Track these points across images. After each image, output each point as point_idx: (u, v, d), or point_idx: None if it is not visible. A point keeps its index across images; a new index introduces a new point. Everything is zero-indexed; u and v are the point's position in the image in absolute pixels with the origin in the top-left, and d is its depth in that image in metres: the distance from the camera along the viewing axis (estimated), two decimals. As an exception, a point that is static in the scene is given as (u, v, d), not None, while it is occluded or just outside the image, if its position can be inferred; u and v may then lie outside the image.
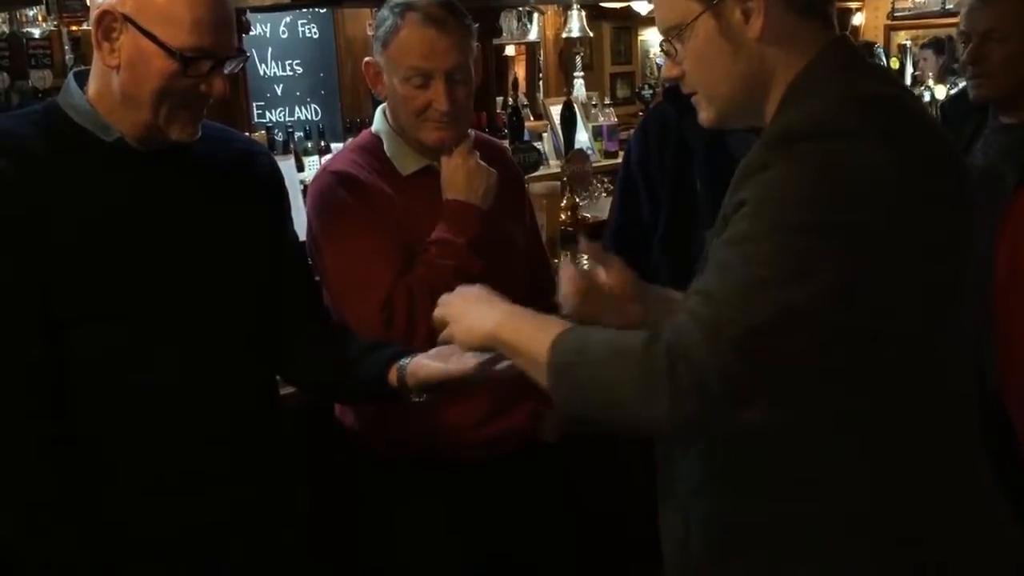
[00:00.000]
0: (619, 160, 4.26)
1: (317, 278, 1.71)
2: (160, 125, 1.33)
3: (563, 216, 2.93)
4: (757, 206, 1.06)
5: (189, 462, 1.38)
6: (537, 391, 1.83)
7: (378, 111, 1.84)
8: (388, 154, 1.78)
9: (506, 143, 3.17)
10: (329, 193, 1.72)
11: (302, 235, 1.75)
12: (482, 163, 1.76)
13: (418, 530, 1.78)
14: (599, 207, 3.37)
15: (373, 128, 1.83)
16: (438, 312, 1.33)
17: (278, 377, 1.59)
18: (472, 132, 1.82)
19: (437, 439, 1.75)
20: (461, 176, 1.73)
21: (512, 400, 1.79)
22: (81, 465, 1.32)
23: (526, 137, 3.86)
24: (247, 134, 3.43)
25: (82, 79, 1.37)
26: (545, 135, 4.74)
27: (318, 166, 3.38)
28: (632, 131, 4.58)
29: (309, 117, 4.56)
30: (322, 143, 4.18)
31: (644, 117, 2.38)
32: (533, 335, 1.17)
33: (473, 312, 1.27)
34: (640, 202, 2.13)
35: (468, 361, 1.38)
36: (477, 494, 1.78)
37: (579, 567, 1.97)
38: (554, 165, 4.16)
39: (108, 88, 1.34)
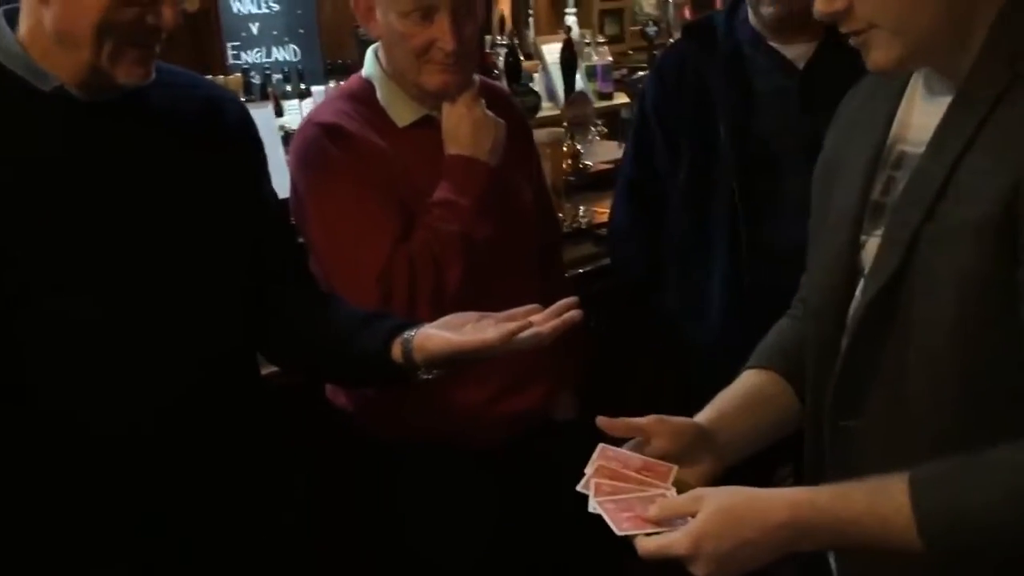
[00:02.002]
0: (614, 102, 4.05)
1: (301, 240, 1.52)
2: (104, 67, 1.14)
3: (564, 164, 2.73)
4: None
5: (153, 448, 1.21)
6: (554, 366, 1.67)
7: (369, 53, 1.62)
8: (382, 102, 1.58)
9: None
10: (315, 148, 1.52)
11: (283, 192, 1.56)
12: (489, 113, 1.56)
13: (424, 521, 1.62)
14: (596, 152, 3.18)
15: (363, 72, 1.62)
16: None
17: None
18: (477, 77, 1.61)
19: (443, 419, 1.58)
20: (466, 127, 1.53)
21: (529, 375, 1.62)
22: (37, 452, 1.17)
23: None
24: (219, 77, 3.22)
25: (15, 17, 1.17)
26: (536, 76, 4.51)
27: (298, 111, 3.15)
28: (622, 71, 4.37)
29: (287, 58, 4.29)
30: (302, 86, 3.94)
31: (660, 57, 2.18)
32: (865, 514, 0.94)
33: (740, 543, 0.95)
34: (656, 151, 1.94)
35: (487, 331, 1.19)
36: (488, 479, 1.62)
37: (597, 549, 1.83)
38: (546, 108, 3.95)
39: (40, 27, 1.14)
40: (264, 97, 3.61)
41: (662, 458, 1.07)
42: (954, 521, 0.91)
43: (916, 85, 1.06)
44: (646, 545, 0.96)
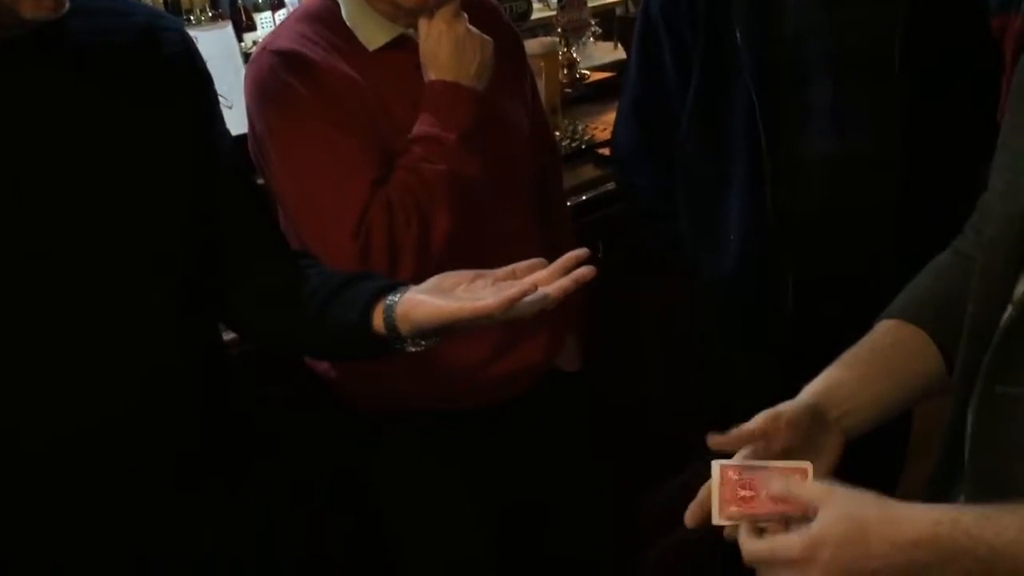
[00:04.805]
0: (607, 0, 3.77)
1: (260, 181, 1.33)
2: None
3: (560, 76, 2.51)
4: None
5: (95, 462, 1.04)
6: (556, 312, 1.50)
7: (330, -37, 1.40)
8: (348, 23, 1.36)
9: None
10: (272, 81, 1.30)
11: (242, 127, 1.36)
12: (473, 29, 1.34)
13: (415, 495, 1.47)
14: (592, 56, 2.94)
15: (325, -13, 1.40)
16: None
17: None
18: (457, -14, 1.39)
19: (434, 383, 1.41)
20: (447, 48, 1.31)
21: (529, 326, 1.43)
22: None
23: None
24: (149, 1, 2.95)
25: None
26: (524, -27, 4.21)
27: (271, 24, 2.88)
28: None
29: (256, -36, 3.98)
30: (274, -5, 3.67)
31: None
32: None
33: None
34: (664, 63, 1.71)
35: (484, 295, 1.02)
36: (484, 448, 1.46)
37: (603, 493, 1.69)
38: (538, 9, 3.68)
39: None
40: (234, 10, 3.35)
41: (785, 456, 0.92)
42: None
43: None
44: (752, 547, 0.82)
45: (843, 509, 0.80)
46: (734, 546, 0.87)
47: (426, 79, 1.33)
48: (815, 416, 0.95)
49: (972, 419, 0.90)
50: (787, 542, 0.81)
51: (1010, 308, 0.86)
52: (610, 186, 1.97)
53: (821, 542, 0.79)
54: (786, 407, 0.94)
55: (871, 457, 1.00)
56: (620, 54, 2.75)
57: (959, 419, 0.93)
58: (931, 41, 1.58)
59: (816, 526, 0.80)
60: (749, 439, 0.92)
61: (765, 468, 0.91)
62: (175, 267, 1.08)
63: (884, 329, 1.02)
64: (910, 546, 0.78)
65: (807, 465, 0.91)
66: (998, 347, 0.86)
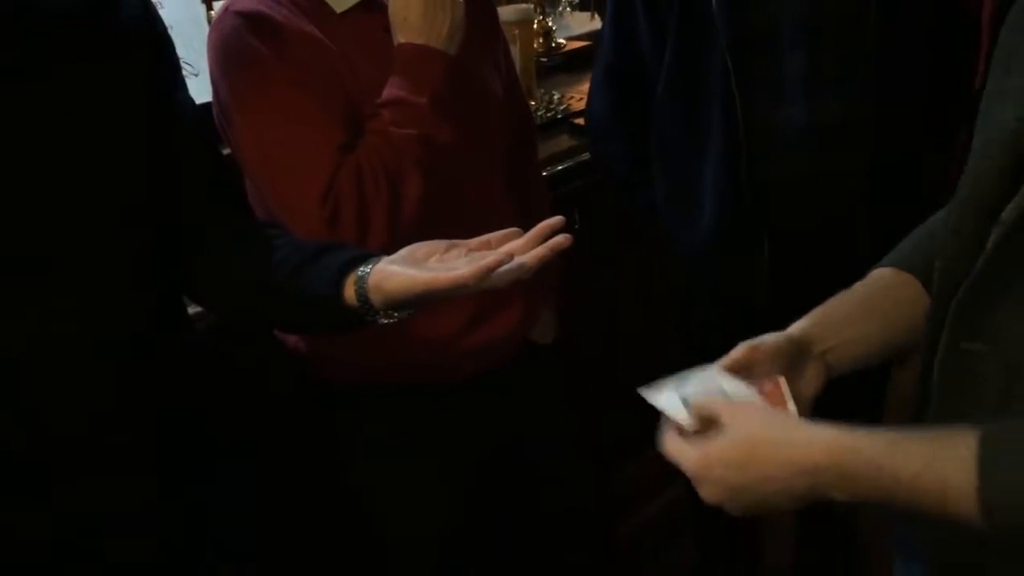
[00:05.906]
0: (583, -36, 3.71)
1: (227, 151, 1.30)
2: None
3: (535, 44, 2.47)
4: None
5: (54, 450, 1.01)
6: (531, 283, 1.48)
7: (296, -78, 1.36)
8: (314, -17, 1.32)
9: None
10: (236, 43, 1.27)
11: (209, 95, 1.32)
12: None
13: (390, 468, 1.44)
14: (568, 26, 2.90)
15: (291, -53, 1.35)
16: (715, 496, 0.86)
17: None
18: (426, -54, 1.35)
19: (406, 357, 1.39)
20: (417, 10, 1.28)
21: (504, 297, 1.41)
22: None
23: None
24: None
25: None
26: (498, -58, 4.15)
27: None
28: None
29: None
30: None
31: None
32: (920, 475, 0.78)
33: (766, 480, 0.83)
34: (638, 29, 1.69)
35: (458, 264, 0.99)
36: (460, 420, 1.44)
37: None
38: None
39: None
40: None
41: None
42: None
43: None
44: (664, 442, 0.87)
45: (741, 432, 0.82)
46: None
47: (395, 42, 1.30)
48: (799, 347, 0.95)
49: (937, 375, 0.90)
50: (686, 454, 0.84)
51: (980, 262, 0.85)
52: (586, 156, 1.95)
53: (711, 462, 0.83)
54: (766, 337, 0.95)
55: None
56: (597, 24, 2.71)
57: (927, 375, 0.92)
58: (906, 9, 1.56)
59: (711, 445, 0.83)
60: (733, 370, 0.92)
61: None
62: (141, 216, 1.05)
63: (877, 275, 1.03)
64: (809, 471, 0.80)
65: (779, 378, 0.92)
66: (962, 302, 0.86)
